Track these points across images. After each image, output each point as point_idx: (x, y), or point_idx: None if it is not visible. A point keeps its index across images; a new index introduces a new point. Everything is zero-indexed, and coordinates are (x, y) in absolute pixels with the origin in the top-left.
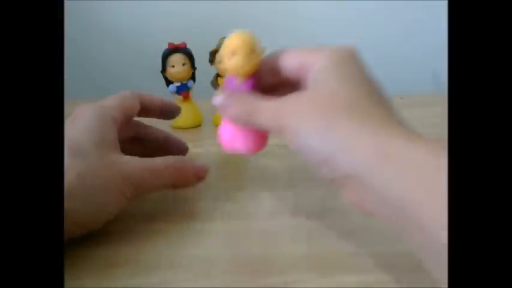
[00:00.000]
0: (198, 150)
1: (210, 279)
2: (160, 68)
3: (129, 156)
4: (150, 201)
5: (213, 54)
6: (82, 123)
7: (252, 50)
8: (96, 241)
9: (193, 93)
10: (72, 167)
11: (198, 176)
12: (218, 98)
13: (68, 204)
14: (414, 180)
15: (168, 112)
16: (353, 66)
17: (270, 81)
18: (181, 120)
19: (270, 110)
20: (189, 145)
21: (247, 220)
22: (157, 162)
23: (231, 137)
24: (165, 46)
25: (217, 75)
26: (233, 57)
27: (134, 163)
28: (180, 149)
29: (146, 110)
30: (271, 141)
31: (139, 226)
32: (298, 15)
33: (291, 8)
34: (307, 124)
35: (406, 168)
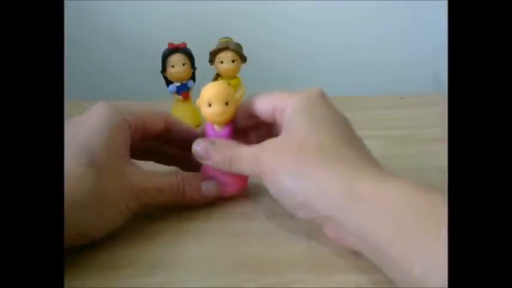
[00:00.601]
0: None
1: (210, 279)
2: (160, 68)
3: (136, 168)
4: None
5: (213, 54)
6: (94, 123)
7: (227, 99)
8: (97, 242)
9: (193, 93)
10: (85, 178)
11: (204, 197)
12: (199, 147)
13: (76, 215)
14: (384, 219)
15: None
16: (323, 108)
17: (247, 124)
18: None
19: (249, 157)
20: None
21: (247, 220)
22: (163, 180)
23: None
24: (165, 46)
25: (217, 75)
26: (209, 107)
27: (141, 177)
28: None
29: (169, 133)
30: None
31: (139, 226)
32: (298, 16)
33: (291, 8)
34: (283, 169)
35: (375, 207)
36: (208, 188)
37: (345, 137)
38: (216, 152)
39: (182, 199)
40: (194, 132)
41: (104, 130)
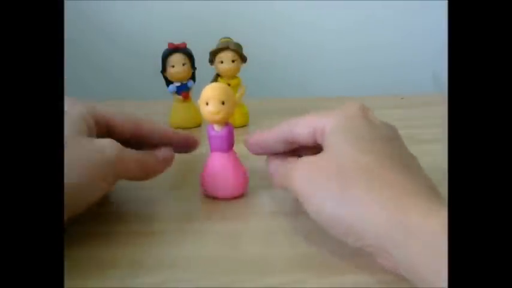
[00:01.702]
0: (198, 150)
1: (210, 279)
2: (160, 68)
3: (103, 140)
4: (150, 202)
5: (213, 54)
6: None
7: (223, 99)
8: (97, 242)
9: (193, 93)
10: None
11: (165, 163)
12: (270, 166)
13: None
14: (431, 254)
15: (181, 145)
16: (364, 124)
17: (284, 149)
18: (181, 120)
19: (294, 178)
20: None
21: (247, 220)
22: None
23: (212, 185)
24: (165, 46)
25: (217, 75)
26: (207, 106)
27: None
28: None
29: (142, 138)
30: None
31: (139, 226)
32: (299, 16)
33: (292, 8)
34: (322, 193)
35: (423, 242)
36: (165, 154)
37: (391, 158)
38: (275, 170)
39: (146, 171)
40: (170, 132)
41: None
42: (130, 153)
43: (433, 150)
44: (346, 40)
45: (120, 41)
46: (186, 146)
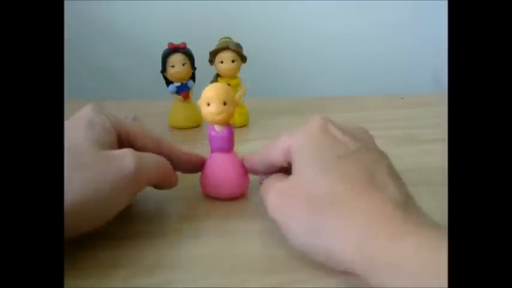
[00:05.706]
0: (198, 150)
1: (210, 279)
2: (160, 68)
3: (124, 150)
4: (150, 202)
5: (213, 54)
6: (74, 124)
7: (225, 100)
8: (97, 242)
9: (193, 93)
10: (72, 177)
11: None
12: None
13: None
14: (398, 279)
15: (192, 168)
16: (326, 141)
17: (272, 172)
18: (181, 120)
19: (269, 205)
20: (189, 145)
21: (248, 220)
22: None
23: (212, 185)
24: (165, 46)
25: (217, 75)
26: (208, 107)
27: (129, 157)
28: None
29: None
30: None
31: (139, 227)
32: (299, 15)
33: (292, 8)
34: (293, 219)
35: (389, 269)
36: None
37: (356, 176)
38: (262, 188)
39: (167, 177)
40: (187, 156)
41: (85, 129)
42: (150, 159)
43: (433, 150)
44: (346, 40)
45: (120, 41)
46: (196, 169)
